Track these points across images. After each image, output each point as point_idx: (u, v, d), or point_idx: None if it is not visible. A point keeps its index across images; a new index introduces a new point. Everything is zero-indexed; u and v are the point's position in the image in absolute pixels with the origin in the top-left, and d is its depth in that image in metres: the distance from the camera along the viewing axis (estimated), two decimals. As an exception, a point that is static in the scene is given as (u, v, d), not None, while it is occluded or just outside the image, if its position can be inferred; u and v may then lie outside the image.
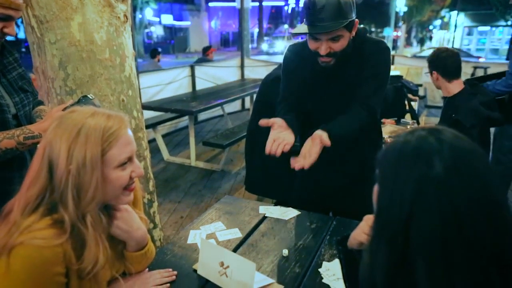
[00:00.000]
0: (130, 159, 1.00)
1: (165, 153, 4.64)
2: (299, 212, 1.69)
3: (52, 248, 0.88)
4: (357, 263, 0.96)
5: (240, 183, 3.95)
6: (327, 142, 1.43)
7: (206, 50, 6.93)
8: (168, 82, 5.52)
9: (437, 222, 0.60)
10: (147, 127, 4.61)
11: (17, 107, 1.41)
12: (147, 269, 1.24)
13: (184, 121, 5.68)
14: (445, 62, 2.19)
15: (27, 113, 1.46)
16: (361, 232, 0.93)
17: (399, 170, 0.65)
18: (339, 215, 1.69)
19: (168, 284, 1.19)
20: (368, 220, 0.93)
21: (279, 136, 1.48)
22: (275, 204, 1.79)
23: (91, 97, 1.32)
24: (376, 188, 0.71)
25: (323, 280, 1.24)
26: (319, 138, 1.44)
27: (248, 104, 7.00)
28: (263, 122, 1.52)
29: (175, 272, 1.24)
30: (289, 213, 1.69)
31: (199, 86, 6.04)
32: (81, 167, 0.90)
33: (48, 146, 0.92)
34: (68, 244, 0.91)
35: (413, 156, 0.64)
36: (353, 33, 1.52)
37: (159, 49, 6.90)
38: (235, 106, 7.02)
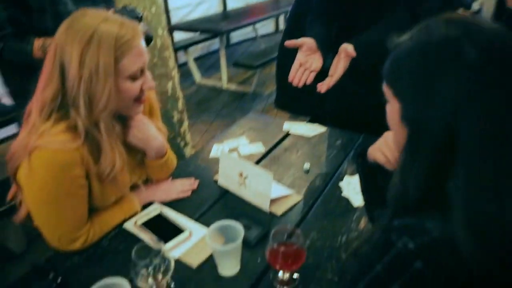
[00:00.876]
0: (142, 71, 0.98)
1: (197, 76, 4.61)
2: (325, 129, 1.64)
3: (69, 151, 0.91)
4: (374, 177, 0.93)
5: (271, 105, 3.90)
6: (352, 53, 1.31)
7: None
8: (197, 2, 5.29)
9: (484, 121, 0.52)
10: (178, 49, 4.55)
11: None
12: (171, 177, 1.29)
13: (216, 43, 5.53)
14: None
15: None
16: (378, 150, 0.87)
17: (429, 76, 0.55)
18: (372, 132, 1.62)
19: (190, 192, 1.23)
20: (387, 138, 0.87)
21: (307, 60, 1.38)
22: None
23: (132, 9, 1.26)
24: (394, 105, 0.62)
25: (342, 194, 1.23)
26: (344, 51, 1.33)
27: (282, 25, 6.65)
28: (289, 43, 1.40)
29: (197, 181, 1.28)
30: (315, 129, 1.64)
31: (230, 6, 5.75)
32: (93, 74, 0.89)
33: (60, 48, 0.90)
34: (84, 148, 0.94)
35: (440, 53, 0.55)
36: None
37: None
38: (268, 27, 6.69)
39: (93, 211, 1.06)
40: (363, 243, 0.71)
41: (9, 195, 1.02)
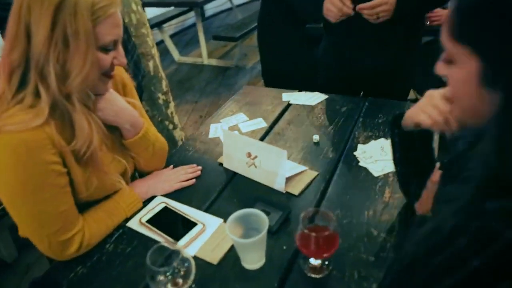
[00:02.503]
0: (115, 44, 0.86)
1: (175, 54, 4.39)
2: (327, 96, 1.54)
3: (32, 132, 0.77)
4: (413, 146, 0.83)
5: (257, 77, 3.76)
6: None
7: None
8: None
9: None
10: (152, 26, 4.29)
11: None
12: (172, 166, 1.17)
13: (192, 18, 5.27)
14: None
15: None
16: (421, 112, 0.75)
17: None
18: (370, 95, 1.53)
19: (194, 180, 1.11)
20: (432, 97, 0.74)
21: None
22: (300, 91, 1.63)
23: None
24: (468, 67, 0.50)
25: (359, 164, 1.14)
26: None
27: (257, -8, 6.40)
28: None
29: (200, 167, 1.16)
30: (316, 97, 1.53)
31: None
32: (70, 38, 0.76)
33: (25, 5, 0.75)
34: (51, 126, 0.80)
35: None
36: None
37: None
38: (243, -4, 6.43)
39: (84, 208, 0.93)
40: (417, 227, 0.59)
41: None
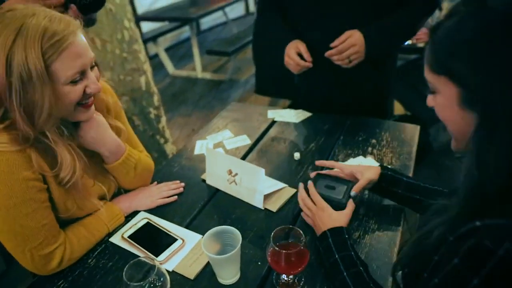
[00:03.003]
0: (82, 74, 0.85)
1: (170, 67, 4.46)
2: (310, 114, 1.58)
3: (13, 153, 0.80)
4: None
5: (250, 92, 3.81)
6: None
7: None
8: (163, -11, 5.08)
9: None
10: (147, 40, 4.36)
11: None
12: (156, 182, 1.20)
13: (187, 31, 5.35)
14: None
15: None
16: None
17: (493, 47, 0.51)
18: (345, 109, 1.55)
19: (176, 197, 1.15)
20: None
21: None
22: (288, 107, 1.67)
23: None
24: (448, 93, 0.57)
25: (338, 181, 1.18)
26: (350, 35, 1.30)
27: (252, 6, 6.50)
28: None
29: (183, 184, 1.20)
30: (300, 115, 1.58)
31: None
32: (26, 81, 0.76)
33: None
34: (32, 150, 0.83)
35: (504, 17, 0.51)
36: None
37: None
38: (239, 10, 6.52)
39: (66, 224, 0.96)
40: (416, 246, 0.63)
41: None
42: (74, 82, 0.84)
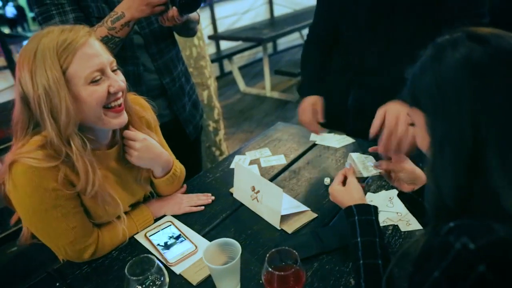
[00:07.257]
0: (102, 72, 0.90)
1: (241, 84, 4.66)
2: (354, 140, 1.56)
3: (44, 168, 0.89)
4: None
5: (313, 114, 3.82)
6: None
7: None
8: (244, 11, 5.36)
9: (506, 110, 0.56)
10: (223, 58, 4.62)
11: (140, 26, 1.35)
12: (185, 186, 1.29)
13: (261, 52, 5.57)
14: None
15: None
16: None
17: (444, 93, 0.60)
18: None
19: (203, 207, 1.21)
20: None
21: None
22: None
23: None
24: (420, 119, 0.66)
25: (363, 211, 1.14)
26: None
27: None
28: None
29: (213, 198, 1.25)
30: (343, 140, 1.56)
31: (278, 12, 5.76)
32: (48, 90, 0.85)
33: (17, 79, 0.89)
34: (63, 165, 0.91)
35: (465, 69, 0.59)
36: None
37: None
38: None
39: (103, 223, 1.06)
40: (408, 249, 0.67)
41: (12, 220, 1.01)
42: (95, 81, 0.89)
